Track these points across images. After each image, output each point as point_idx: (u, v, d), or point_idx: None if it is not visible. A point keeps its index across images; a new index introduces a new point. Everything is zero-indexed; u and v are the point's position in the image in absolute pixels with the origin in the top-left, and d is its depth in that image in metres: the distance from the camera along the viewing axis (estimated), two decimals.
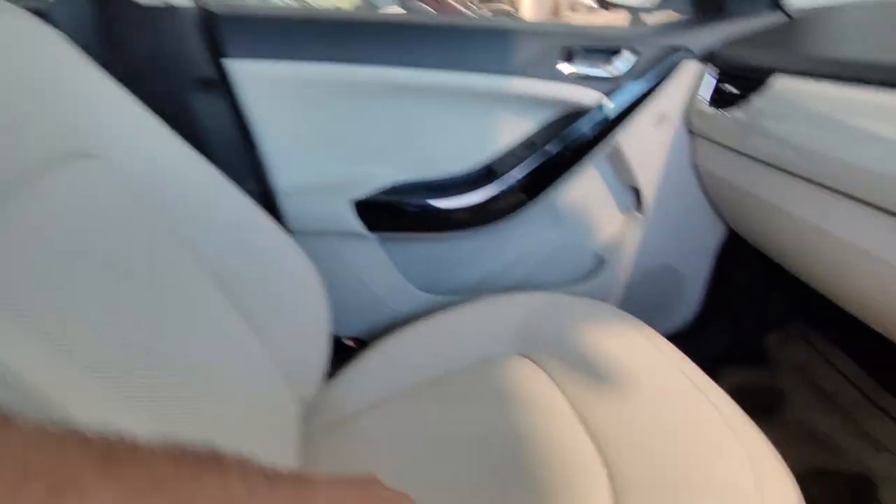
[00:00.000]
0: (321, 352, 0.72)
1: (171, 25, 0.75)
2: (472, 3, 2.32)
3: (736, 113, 0.79)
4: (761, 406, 1.04)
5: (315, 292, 0.72)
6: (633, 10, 1.08)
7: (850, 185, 0.62)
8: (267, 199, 0.86)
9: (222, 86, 0.78)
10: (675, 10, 0.95)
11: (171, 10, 0.74)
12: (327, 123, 0.85)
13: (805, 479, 0.91)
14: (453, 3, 2.13)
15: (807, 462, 0.92)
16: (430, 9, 2.09)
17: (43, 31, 0.51)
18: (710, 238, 1.05)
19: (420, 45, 0.82)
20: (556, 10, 2.15)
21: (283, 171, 0.86)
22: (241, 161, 0.83)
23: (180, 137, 0.59)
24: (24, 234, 0.39)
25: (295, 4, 1.59)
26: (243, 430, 0.51)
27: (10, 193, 0.39)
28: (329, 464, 0.64)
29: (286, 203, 0.86)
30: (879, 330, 0.73)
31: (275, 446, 0.57)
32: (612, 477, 0.55)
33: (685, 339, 1.12)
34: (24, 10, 0.51)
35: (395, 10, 2.00)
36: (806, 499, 0.88)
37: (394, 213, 0.89)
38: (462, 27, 0.85)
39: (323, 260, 0.73)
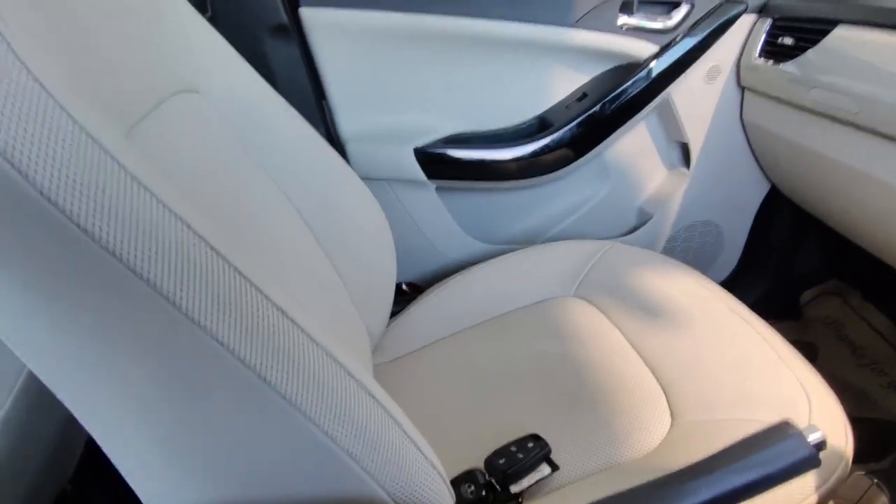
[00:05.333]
0: (388, 295, 0.75)
1: None
2: None
3: (790, 65, 0.81)
4: None
5: (386, 239, 0.74)
6: None
7: None
8: (333, 145, 0.89)
9: (296, 33, 0.81)
10: None
11: None
12: (393, 73, 0.88)
13: None
14: None
15: None
16: None
17: None
18: (752, 195, 1.07)
19: None
20: None
21: (350, 119, 0.89)
22: (310, 108, 0.86)
23: (264, 80, 0.61)
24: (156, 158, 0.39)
25: None
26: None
27: (132, 129, 0.39)
28: (394, 396, 0.68)
29: (352, 149, 0.90)
30: None
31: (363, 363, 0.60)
32: (669, 397, 0.59)
33: None
34: None
35: None
36: None
37: (451, 162, 0.93)
38: None
39: (384, 206, 0.75)
